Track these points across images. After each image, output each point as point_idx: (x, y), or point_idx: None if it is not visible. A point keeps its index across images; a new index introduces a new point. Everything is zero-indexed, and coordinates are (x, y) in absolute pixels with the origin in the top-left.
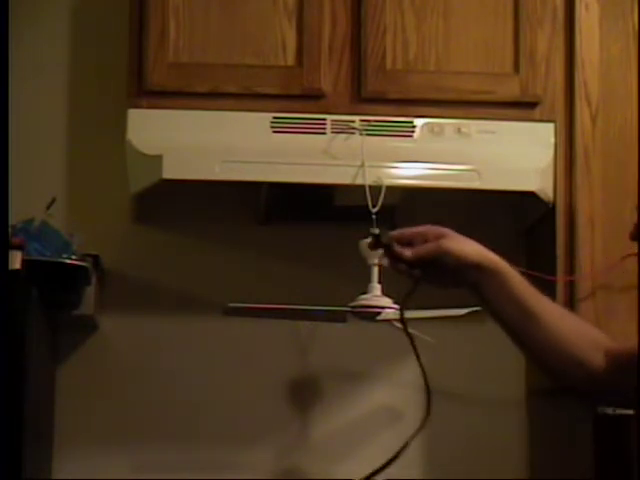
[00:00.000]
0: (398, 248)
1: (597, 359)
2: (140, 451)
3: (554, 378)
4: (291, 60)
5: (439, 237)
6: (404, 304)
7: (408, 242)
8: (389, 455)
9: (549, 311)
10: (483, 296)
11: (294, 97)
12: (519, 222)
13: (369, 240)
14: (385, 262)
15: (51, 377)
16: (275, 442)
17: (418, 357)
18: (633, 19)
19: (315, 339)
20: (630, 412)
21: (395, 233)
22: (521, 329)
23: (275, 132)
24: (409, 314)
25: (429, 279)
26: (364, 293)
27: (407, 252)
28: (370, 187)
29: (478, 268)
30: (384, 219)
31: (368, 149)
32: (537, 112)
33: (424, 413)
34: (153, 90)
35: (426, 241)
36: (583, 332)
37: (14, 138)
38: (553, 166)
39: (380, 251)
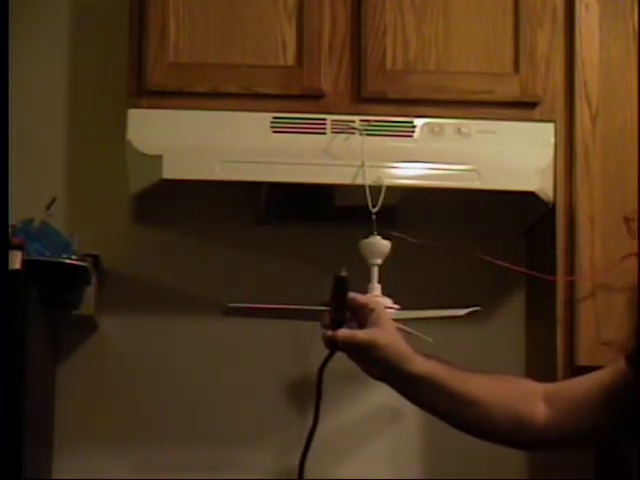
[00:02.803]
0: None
1: (535, 409)
2: (140, 451)
3: (498, 442)
4: (291, 60)
5: (375, 322)
6: (322, 371)
7: (354, 310)
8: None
9: (476, 388)
10: (408, 393)
11: (294, 97)
12: (519, 222)
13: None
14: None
15: (51, 377)
16: (275, 442)
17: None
18: (633, 19)
19: (315, 339)
20: None
21: (351, 294)
22: (453, 413)
23: (275, 132)
24: (410, 314)
25: (352, 358)
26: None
27: (340, 333)
28: (370, 187)
29: (401, 370)
30: (384, 219)
31: (368, 149)
32: (537, 112)
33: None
34: (153, 90)
35: (365, 318)
36: (512, 390)
37: (14, 138)
38: (553, 166)
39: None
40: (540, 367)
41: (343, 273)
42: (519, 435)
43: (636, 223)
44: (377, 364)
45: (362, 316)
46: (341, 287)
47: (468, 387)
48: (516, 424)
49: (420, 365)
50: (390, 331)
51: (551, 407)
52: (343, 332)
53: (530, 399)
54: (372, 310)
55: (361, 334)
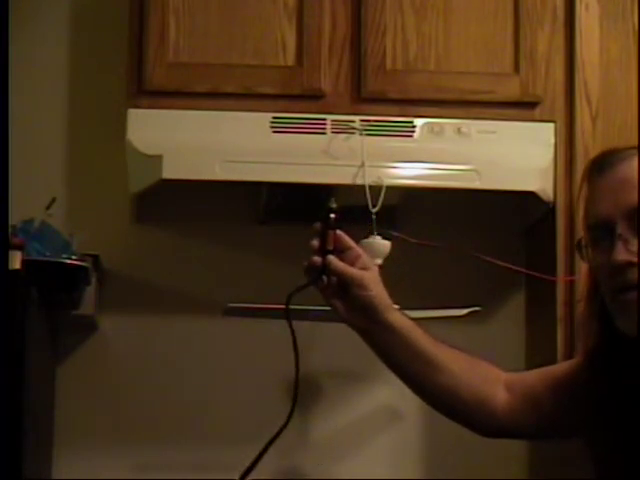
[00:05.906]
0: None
1: (498, 394)
2: (140, 451)
3: (458, 420)
4: (291, 60)
5: (364, 268)
6: (290, 297)
7: (341, 249)
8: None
9: (447, 356)
10: (381, 345)
11: (294, 97)
12: (519, 222)
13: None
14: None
15: (51, 377)
16: (275, 442)
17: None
18: (633, 19)
19: (315, 339)
20: None
21: (340, 232)
22: (421, 376)
23: (275, 132)
24: (410, 314)
25: (330, 296)
26: None
27: (335, 260)
28: (370, 187)
29: (381, 317)
30: (384, 219)
31: (368, 149)
32: (537, 112)
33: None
34: (153, 90)
35: (353, 264)
36: (480, 371)
37: (14, 138)
38: (553, 166)
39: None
40: (540, 367)
41: (332, 204)
42: (480, 416)
43: (586, 250)
44: (360, 306)
45: (348, 259)
46: (327, 217)
47: (439, 353)
48: (479, 404)
49: (399, 318)
50: (377, 279)
51: (510, 394)
52: (337, 262)
53: (494, 383)
54: (360, 256)
55: (354, 269)
